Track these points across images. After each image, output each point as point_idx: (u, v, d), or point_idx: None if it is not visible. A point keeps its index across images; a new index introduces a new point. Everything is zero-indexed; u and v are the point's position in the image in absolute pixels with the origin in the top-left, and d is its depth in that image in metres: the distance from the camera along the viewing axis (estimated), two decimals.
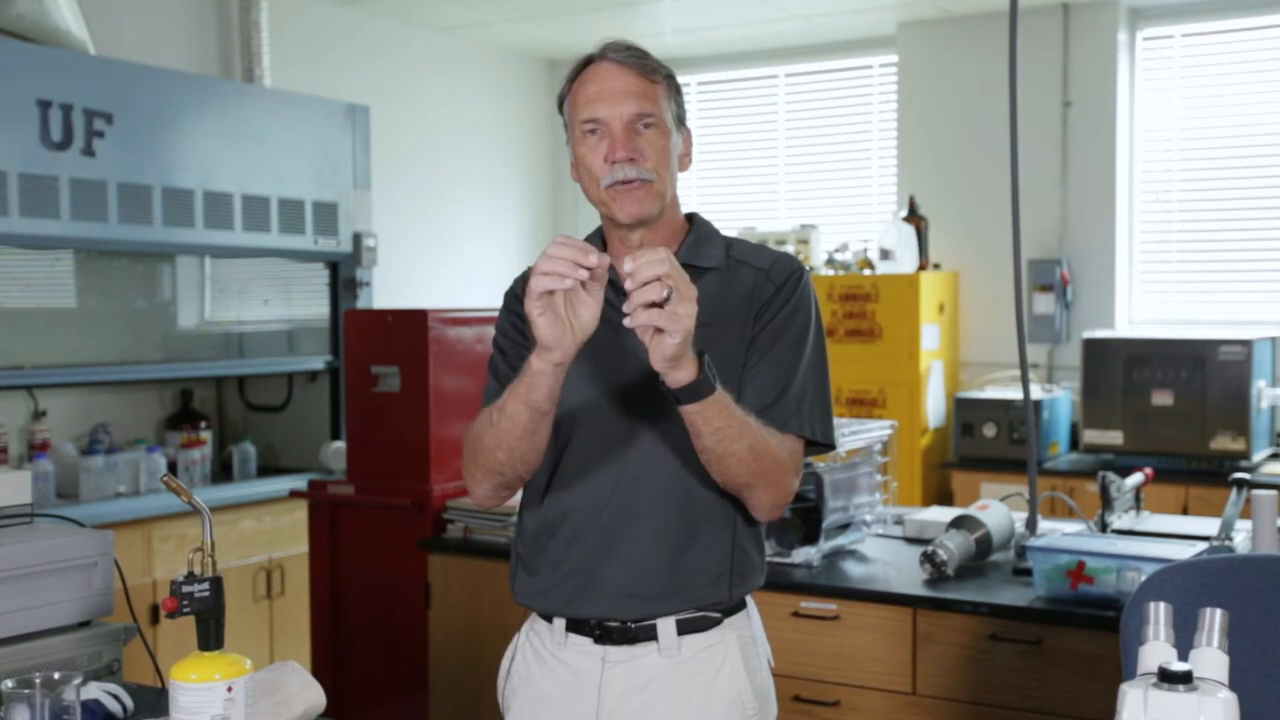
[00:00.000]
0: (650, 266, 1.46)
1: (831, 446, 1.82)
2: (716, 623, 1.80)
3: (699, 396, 1.57)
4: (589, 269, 1.51)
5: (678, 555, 1.76)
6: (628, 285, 1.47)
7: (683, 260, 1.75)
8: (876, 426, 3.11)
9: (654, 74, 1.76)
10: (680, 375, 1.54)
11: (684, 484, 1.76)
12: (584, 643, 1.80)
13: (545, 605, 1.83)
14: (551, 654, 1.83)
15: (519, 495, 1.91)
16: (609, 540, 1.77)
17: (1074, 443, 4.94)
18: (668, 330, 1.48)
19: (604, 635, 1.79)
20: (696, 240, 1.83)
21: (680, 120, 1.81)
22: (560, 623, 1.82)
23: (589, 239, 1.85)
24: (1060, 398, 4.90)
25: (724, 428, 1.61)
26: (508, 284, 1.93)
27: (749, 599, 1.88)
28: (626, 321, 1.48)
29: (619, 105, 1.72)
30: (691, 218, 1.88)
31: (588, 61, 1.78)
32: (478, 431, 1.75)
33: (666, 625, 1.77)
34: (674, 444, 1.75)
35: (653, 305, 1.46)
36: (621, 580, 1.76)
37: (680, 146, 1.81)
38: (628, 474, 1.76)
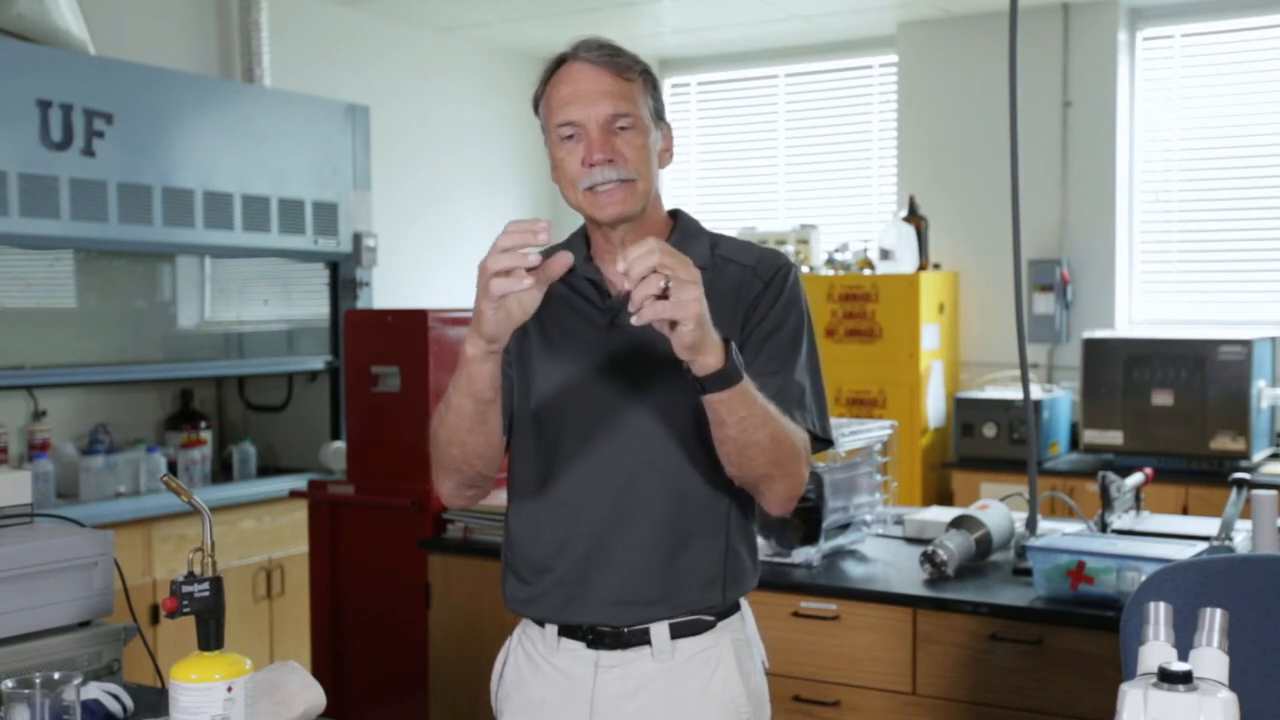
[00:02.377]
0: (642, 260, 1.43)
1: (830, 443, 1.81)
2: (710, 626, 1.79)
3: (728, 384, 1.53)
4: (540, 248, 1.48)
5: (670, 560, 1.74)
6: (626, 285, 1.44)
7: None
8: (876, 426, 3.11)
9: (628, 71, 1.72)
10: (709, 361, 1.50)
11: (676, 488, 1.74)
12: (576, 647, 1.78)
13: (537, 612, 1.82)
14: (544, 658, 1.81)
15: (504, 496, 1.89)
16: (600, 546, 1.75)
17: (1074, 443, 4.94)
18: (680, 319, 1.45)
19: (597, 640, 1.77)
20: (681, 238, 1.80)
21: (659, 116, 1.78)
22: (552, 627, 1.80)
23: (572, 238, 1.83)
24: (1060, 398, 4.90)
25: (749, 416, 1.58)
26: None
27: (743, 601, 1.86)
28: (634, 320, 1.44)
29: (594, 106, 1.69)
30: (675, 214, 1.86)
31: (560, 61, 1.75)
32: (432, 429, 1.74)
33: (660, 630, 1.76)
34: (665, 447, 1.73)
35: (656, 298, 1.44)
36: (614, 587, 1.74)
37: (660, 143, 1.78)
38: (618, 479, 1.74)
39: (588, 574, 1.75)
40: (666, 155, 1.81)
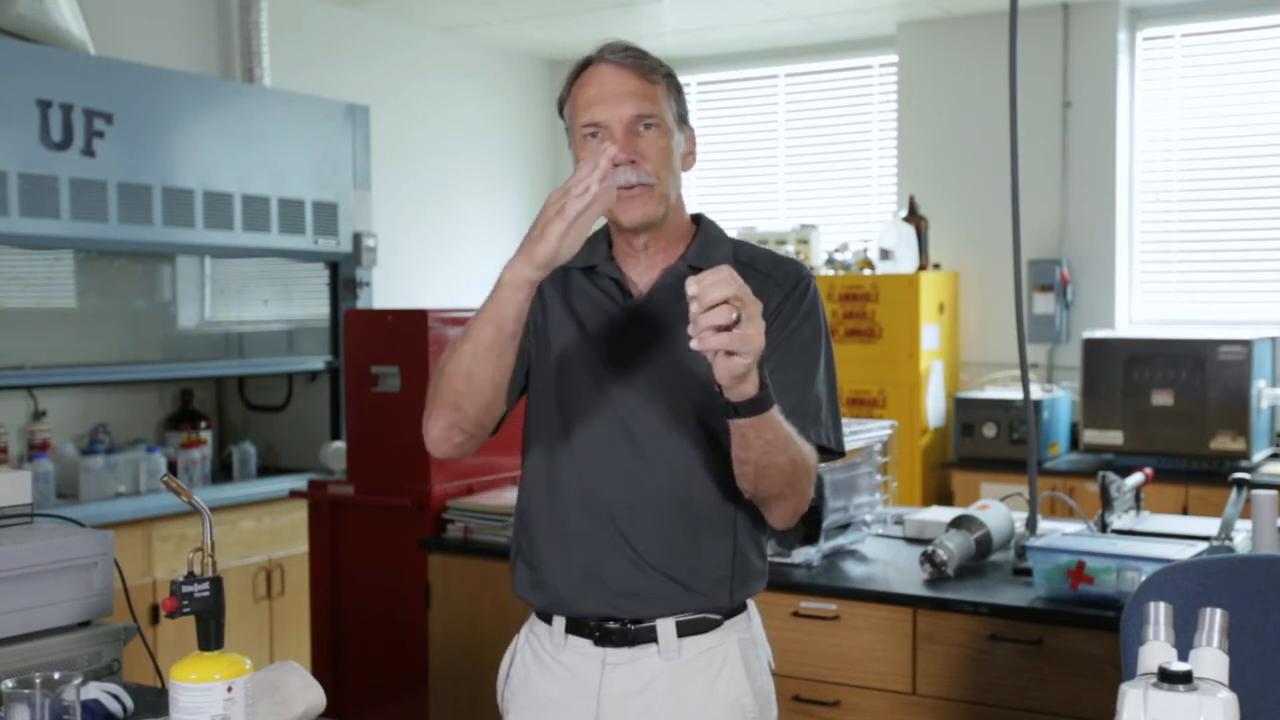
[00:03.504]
0: (716, 288, 1.41)
1: (842, 453, 1.82)
2: (717, 624, 1.80)
3: (760, 410, 1.53)
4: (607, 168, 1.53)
5: (677, 559, 1.76)
6: (693, 308, 1.42)
7: (690, 263, 1.75)
8: (876, 426, 3.11)
9: (653, 74, 1.74)
10: (746, 389, 1.50)
11: (685, 488, 1.75)
12: (584, 644, 1.79)
13: (543, 601, 1.82)
14: (551, 656, 1.82)
15: (513, 496, 1.90)
16: (609, 541, 1.76)
17: (1074, 443, 4.94)
18: (741, 352, 1.43)
19: (604, 637, 1.78)
20: (704, 243, 1.81)
21: (682, 119, 1.79)
22: (560, 624, 1.81)
23: (593, 239, 1.84)
24: (1060, 398, 4.90)
25: (774, 440, 1.58)
26: None
27: (750, 600, 1.87)
28: (694, 345, 1.43)
29: (619, 107, 1.71)
30: (698, 219, 1.87)
31: (586, 64, 1.76)
32: (441, 362, 1.73)
33: (666, 626, 1.77)
34: (676, 448, 1.75)
35: (721, 329, 1.42)
36: (621, 581, 1.75)
37: (683, 145, 1.79)
38: (629, 474, 1.75)
39: (595, 567, 1.76)
40: (689, 158, 1.82)
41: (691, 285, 1.42)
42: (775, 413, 1.56)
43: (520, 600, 1.88)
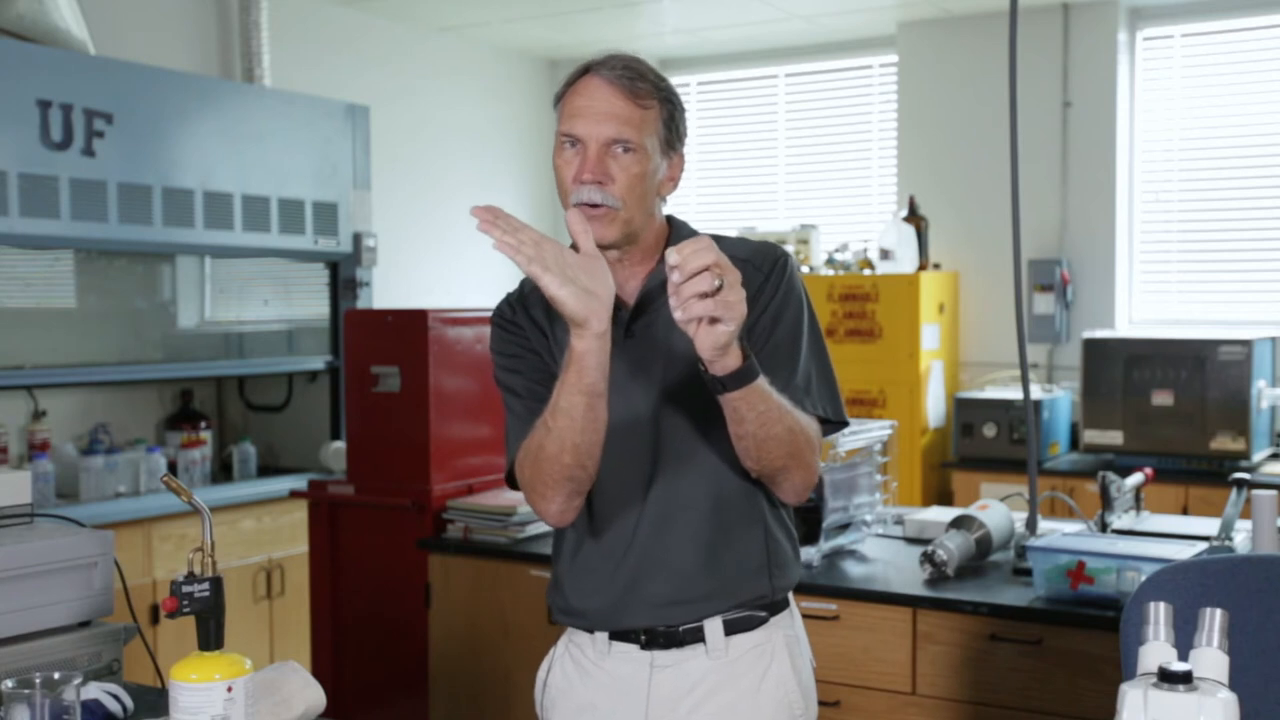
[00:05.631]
0: (698, 256, 1.42)
1: (845, 423, 1.82)
2: (763, 622, 1.81)
3: (746, 382, 1.54)
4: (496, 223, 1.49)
5: (714, 555, 1.76)
6: (674, 277, 1.43)
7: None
8: (876, 426, 3.11)
9: (645, 98, 1.70)
10: (729, 361, 1.51)
11: (712, 484, 1.76)
12: (629, 649, 1.79)
13: (584, 624, 1.82)
14: (593, 663, 1.82)
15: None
16: (646, 551, 1.76)
17: (1074, 443, 4.94)
18: (723, 319, 1.45)
19: (650, 640, 1.78)
20: (678, 242, 1.82)
21: (670, 145, 1.75)
22: (602, 633, 1.81)
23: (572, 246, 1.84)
24: (1060, 398, 4.90)
25: (767, 411, 1.59)
26: (507, 284, 1.92)
27: (791, 597, 1.88)
28: (676, 314, 1.44)
29: (598, 125, 1.68)
30: (669, 220, 1.86)
31: (585, 70, 1.74)
32: (534, 448, 1.67)
33: (714, 626, 1.78)
34: (698, 446, 1.75)
35: (703, 296, 1.43)
36: (663, 589, 1.76)
37: (663, 172, 1.75)
38: (655, 482, 1.76)
39: (635, 580, 1.77)
40: (669, 184, 1.78)
41: (672, 255, 1.43)
42: (763, 383, 1.57)
43: (559, 625, 1.87)
